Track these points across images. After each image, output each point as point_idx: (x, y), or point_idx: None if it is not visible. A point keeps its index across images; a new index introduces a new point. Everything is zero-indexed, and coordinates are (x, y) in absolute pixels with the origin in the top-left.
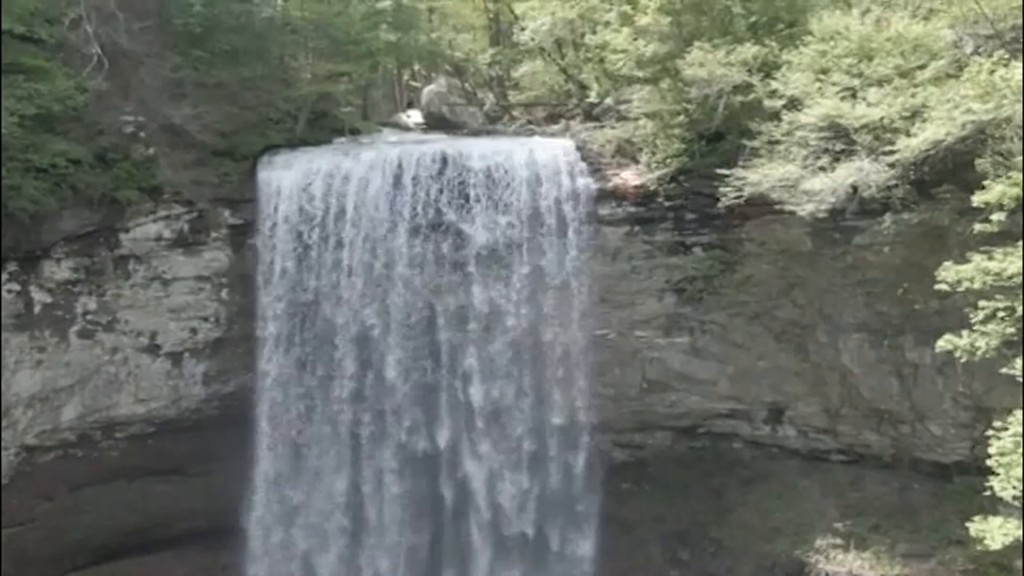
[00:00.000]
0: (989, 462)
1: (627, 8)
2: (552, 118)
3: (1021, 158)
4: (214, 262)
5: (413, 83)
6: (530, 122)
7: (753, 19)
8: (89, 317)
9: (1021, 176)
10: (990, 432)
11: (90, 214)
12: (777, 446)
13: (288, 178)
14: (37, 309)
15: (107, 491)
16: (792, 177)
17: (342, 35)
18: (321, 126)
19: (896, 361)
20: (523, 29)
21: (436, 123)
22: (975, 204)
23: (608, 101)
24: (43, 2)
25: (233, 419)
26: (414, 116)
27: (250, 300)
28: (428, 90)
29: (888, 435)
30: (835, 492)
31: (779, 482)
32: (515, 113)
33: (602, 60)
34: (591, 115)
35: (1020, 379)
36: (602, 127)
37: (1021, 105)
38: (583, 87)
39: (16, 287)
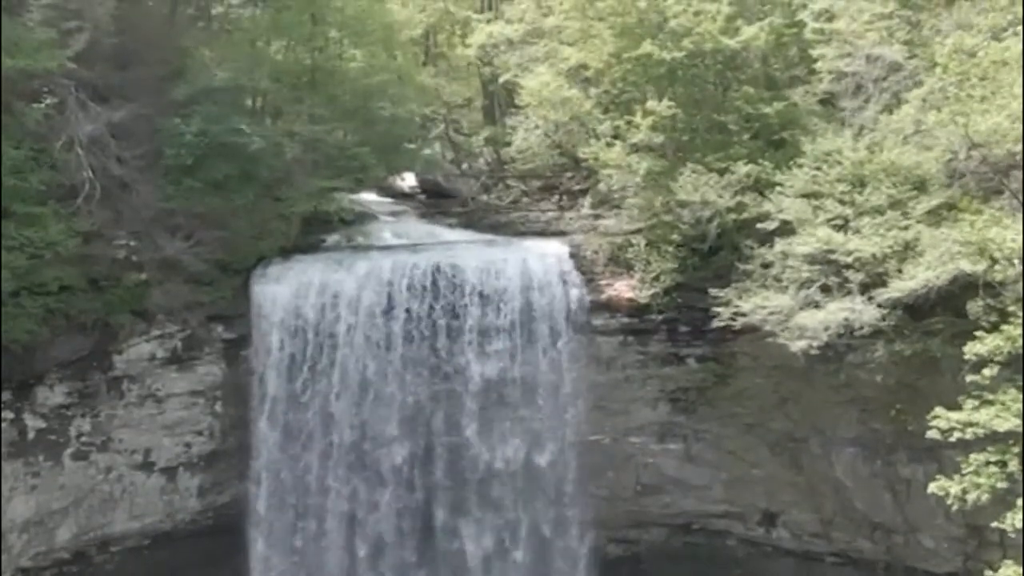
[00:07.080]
0: None
1: (620, 123)
2: (547, 188)
3: (1017, 306)
4: (208, 376)
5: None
6: (525, 193)
7: (747, 136)
8: (83, 439)
9: (1018, 331)
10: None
11: (83, 340)
12: (771, 545)
13: (281, 292)
14: (31, 435)
15: None
16: (784, 310)
17: (335, 152)
18: (314, 218)
19: (889, 476)
20: (515, 128)
21: (430, 188)
22: (967, 357)
23: (601, 187)
24: (35, 150)
25: (228, 527)
26: (408, 180)
27: (244, 411)
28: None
29: (881, 544)
30: None
31: None
32: (510, 182)
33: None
34: (585, 195)
35: (1010, 532)
36: (597, 216)
37: (1020, 265)
38: (577, 162)
39: (10, 415)
